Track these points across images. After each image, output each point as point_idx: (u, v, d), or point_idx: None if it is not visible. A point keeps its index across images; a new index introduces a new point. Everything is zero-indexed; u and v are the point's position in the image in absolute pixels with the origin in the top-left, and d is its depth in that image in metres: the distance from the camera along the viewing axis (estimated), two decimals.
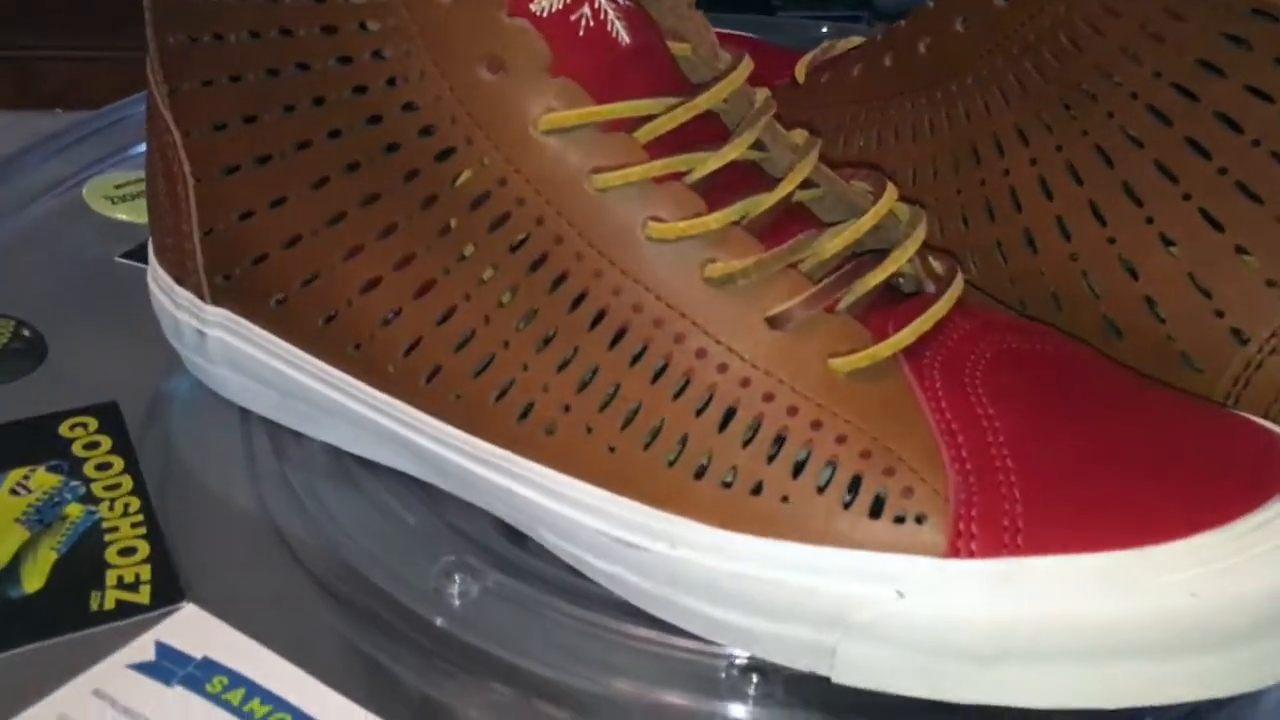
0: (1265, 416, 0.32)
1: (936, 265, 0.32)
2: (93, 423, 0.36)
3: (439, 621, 0.31)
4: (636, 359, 0.29)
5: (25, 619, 0.30)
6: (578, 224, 0.30)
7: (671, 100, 0.30)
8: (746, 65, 0.32)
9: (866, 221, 0.31)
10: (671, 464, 0.29)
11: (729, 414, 0.29)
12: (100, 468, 0.34)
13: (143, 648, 0.29)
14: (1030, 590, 0.27)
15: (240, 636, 0.29)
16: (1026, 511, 0.27)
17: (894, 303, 0.31)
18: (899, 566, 0.27)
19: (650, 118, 0.30)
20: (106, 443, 0.35)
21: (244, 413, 0.36)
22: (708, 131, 0.31)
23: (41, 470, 0.34)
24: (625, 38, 0.30)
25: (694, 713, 0.29)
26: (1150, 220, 0.34)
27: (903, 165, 0.39)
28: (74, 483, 0.34)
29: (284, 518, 0.33)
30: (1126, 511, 0.27)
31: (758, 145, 0.32)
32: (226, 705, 0.28)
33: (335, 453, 0.35)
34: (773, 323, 0.29)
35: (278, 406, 0.35)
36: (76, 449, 0.35)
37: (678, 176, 0.30)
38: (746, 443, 0.29)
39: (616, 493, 0.30)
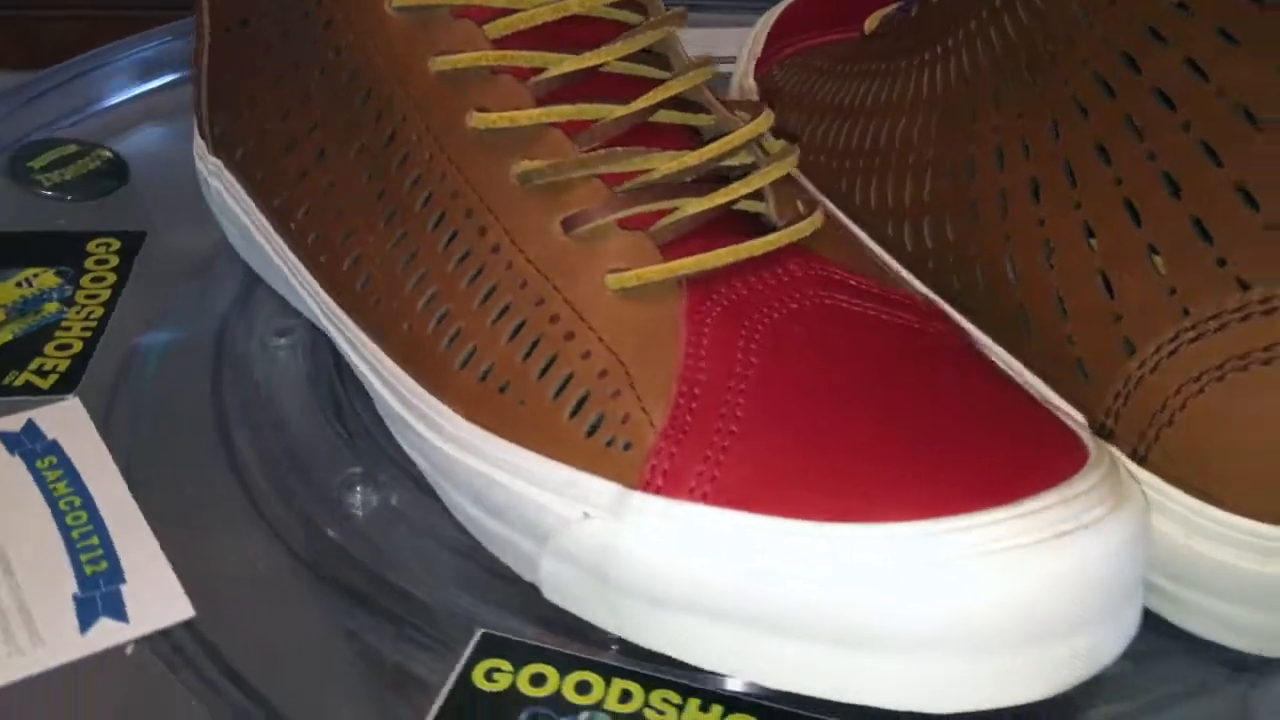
0: (1142, 443, 0.28)
1: (802, 207, 0.30)
2: (115, 243, 0.41)
3: (330, 533, 0.31)
4: (447, 245, 0.30)
5: None
6: (420, 107, 0.30)
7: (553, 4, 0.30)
8: None
9: (713, 149, 0.29)
10: (446, 349, 0.29)
11: (503, 311, 0.29)
12: (95, 280, 0.39)
13: (16, 421, 0.33)
14: (693, 542, 0.25)
15: (98, 443, 0.33)
16: (730, 463, 0.25)
17: (739, 236, 0.29)
18: (592, 488, 0.27)
19: (510, 12, 0.30)
20: (114, 261, 0.40)
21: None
22: (587, 39, 0.31)
23: (50, 273, 0.39)
24: None
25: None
26: (1078, 205, 0.30)
27: (906, 122, 0.36)
28: (67, 287, 0.39)
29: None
30: (845, 487, 0.25)
31: (644, 60, 0.31)
32: (36, 472, 0.31)
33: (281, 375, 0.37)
34: (565, 228, 0.29)
35: (246, 250, 0.39)
36: (88, 262, 0.40)
37: (524, 73, 0.30)
38: (509, 340, 0.28)
39: (404, 369, 0.30)
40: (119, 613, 0.28)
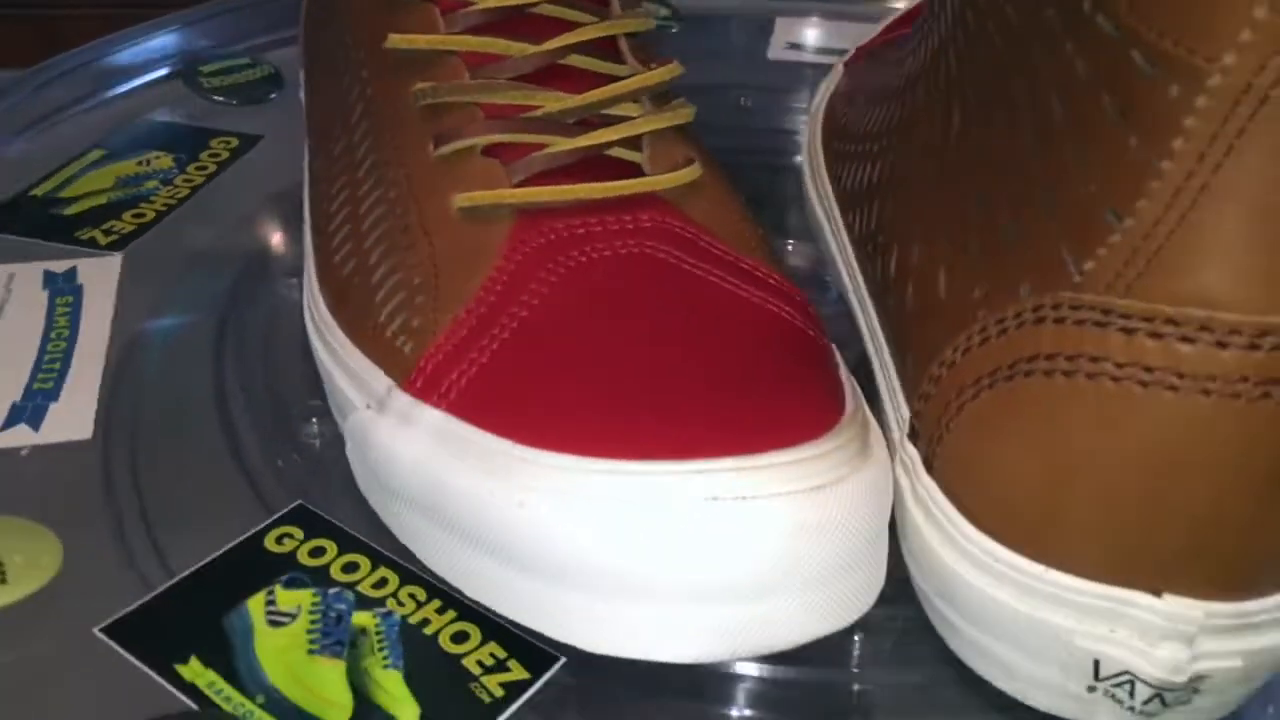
0: (930, 447, 0.26)
1: (680, 162, 0.30)
2: (233, 141, 0.47)
3: (279, 462, 0.33)
4: (361, 155, 0.32)
5: (45, 220, 0.41)
6: (360, 26, 0.33)
7: None
8: None
9: (598, 93, 0.30)
10: (334, 245, 0.32)
11: (379, 218, 0.31)
12: (199, 169, 0.45)
13: (64, 265, 0.39)
14: (424, 445, 0.26)
15: (111, 299, 0.38)
16: (476, 376, 0.26)
17: (601, 180, 0.30)
18: (373, 381, 0.28)
19: None
20: (224, 156, 0.46)
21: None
22: None
23: (169, 157, 0.46)
24: None
25: None
26: (939, 193, 0.28)
27: (886, 108, 0.35)
28: (174, 170, 0.45)
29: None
30: (579, 419, 0.25)
31: (582, 6, 0.32)
32: (52, 306, 0.37)
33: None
34: (435, 145, 0.30)
35: None
36: (203, 154, 0.46)
37: (453, 4, 0.32)
38: (371, 244, 0.31)
39: (312, 259, 0.33)
40: (35, 423, 0.33)
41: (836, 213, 0.37)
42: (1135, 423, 0.22)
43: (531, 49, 0.31)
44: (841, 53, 0.56)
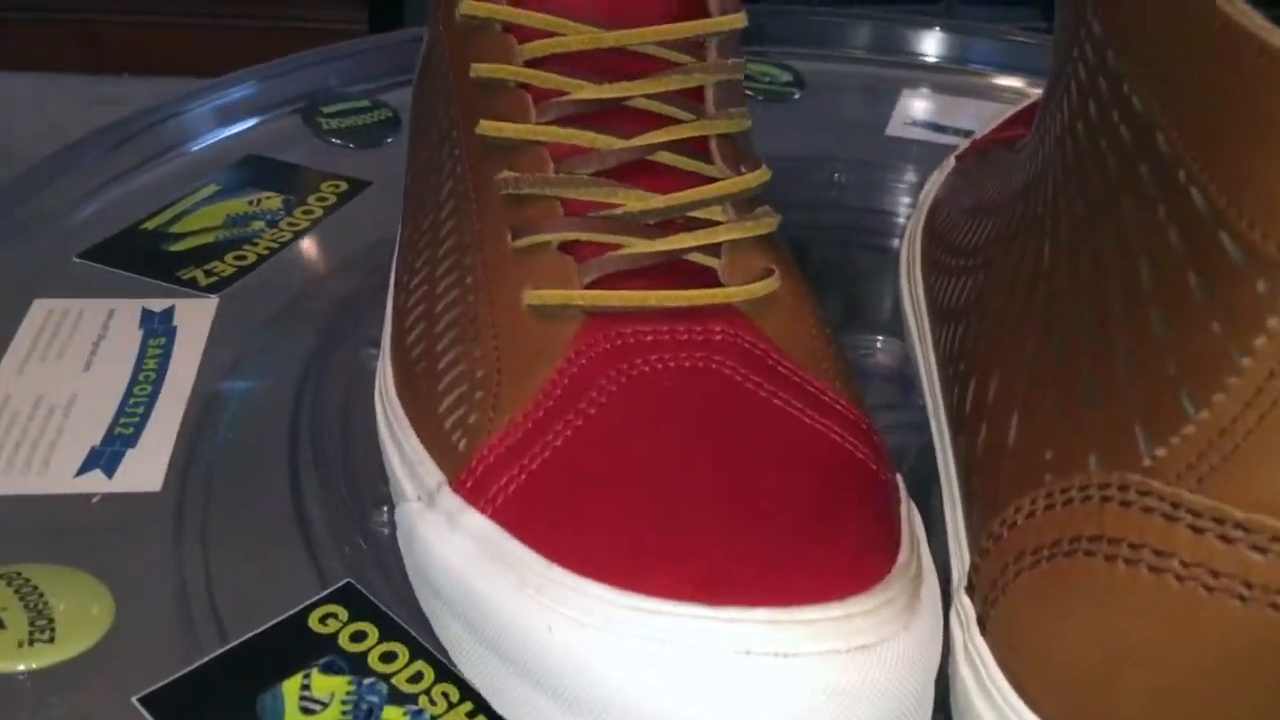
0: (985, 606, 0.25)
1: (759, 273, 0.29)
2: (342, 185, 0.47)
3: (345, 548, 0.32)
4: (445, 234, 0.32)
5: (151, 256, 0.42)
6: (460, 107, 0.33)
7: (589, 26, 0.32)
8: (715, 22, 0.32)
9: (681, 196, 0.30)
10: (408, 323, 0.32)
11: (451, 301, 0.31)
12: (305, 212, 0.46)
13: (162, 304, 0.40)
14: (467, 549, 0.26)
15: (202, 342, 0.39)
16: (525, 486, 0.26)
17: (676, 286, 0.29)
18: (426, 473, 0.28)
19: (550, 35, 0.32)
20: (331, 200, 0.47)
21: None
22: (631, 72, 0.32)
23: (278, 199, 0.47)
24: None
25: None
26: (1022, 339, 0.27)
27: (992, 223, 0.34)
28: (281, 212, 0.46)
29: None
30: (617, 545, 0.25)
31: (680, 101, 0.31)
32: (144, 347, 0.38)
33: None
34: (513, 237, 0.30)
35: None
36: (311, 197, 0.47)
37: (547, 93, 0.31)
38: (441, 326, 0.31)
39: (388, 330, 0.33)
40: (111, 469, 0.34)
41: (927, 324, 0.36)
42: (1198, 627, 0.20)
43: (619, 144, 0.31)
44: (966, 134, 0.55)
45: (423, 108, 0.37)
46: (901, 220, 0.49)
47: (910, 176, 0.52)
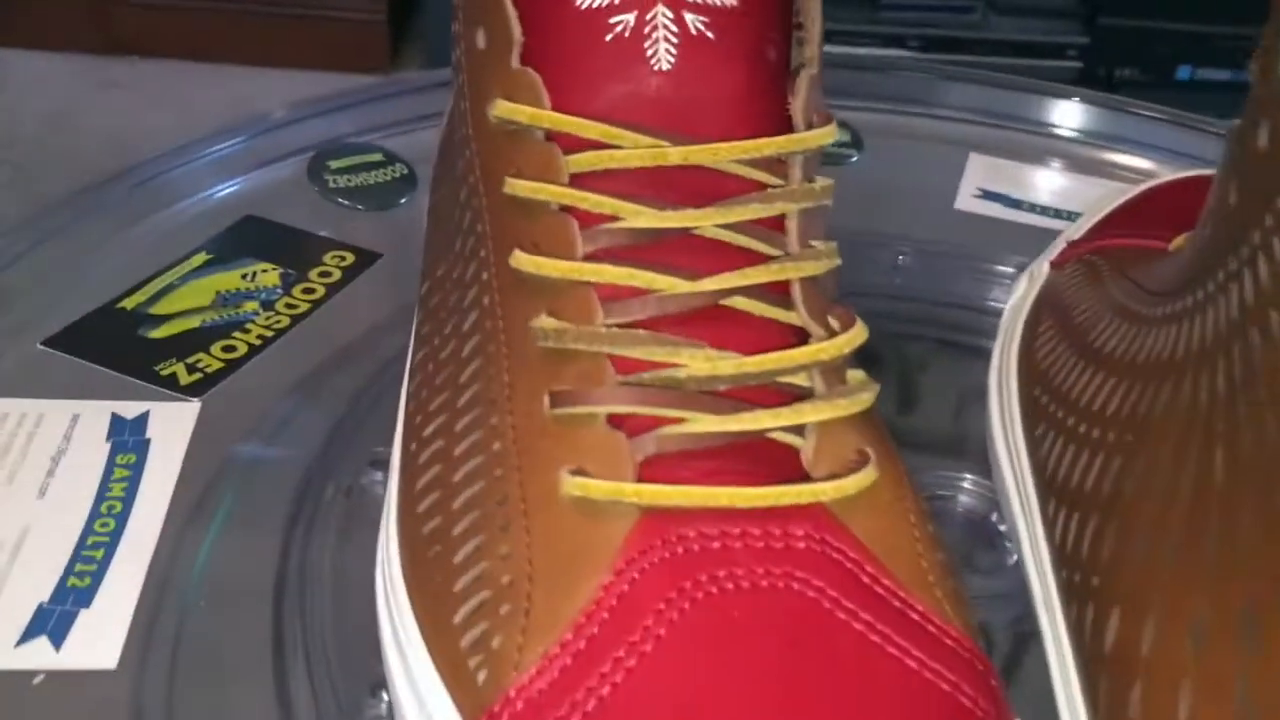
0: None
1: (852, 461, 0.24)
2: (349, 258, 0.42)
3: None
4: (466, 385, 0.27)
5: (127, 344, 0.37)
6: (491, 227, 0.28)
7: (649, 138, 0.26)
8: (803, 139, 0.26)
9: (756, 362, 0.24)
10: (421, 485, 0.27)
11: (473, 470, 0.25)
12: (305, 292, 0.40)
13: (135, 409, 0.35)
14: None
15: (178, 460, 0.34)
16: None
17: (751, 474, 0.24)
18: (439, 711, 0.23)
19: (603, 147, 0.26)
20: (335, 276, 0.41)
21: None
22: (697, 194, 0.26)
23: (275, 272, 0.41)
24: (664, 63, 0.27)
25: None
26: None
27: (1149, 392, 0.28)
28: (278, 290, 0.40)
29: None
30: None
31: (757, 233, 0.26)
32: (110, 467, 0.33)
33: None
34: (552, 403, 0.25)
35: None
36: (313, 272, 0.41)
37: (594, 218, 0.26)
38: (461, 503, 0.25)
39: (397, 483, 0.28)
40: (59, 637, 0.28)
41: (1031, 488, 0.30)
42: None
43: (683, 286, 0.25)
44: (1043, 211, 0.49)
45: (444, 206, 0.31)
46: (979, 319, 0.43)
47: (985, 263, 0.46)
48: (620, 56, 0.27)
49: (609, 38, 0.27)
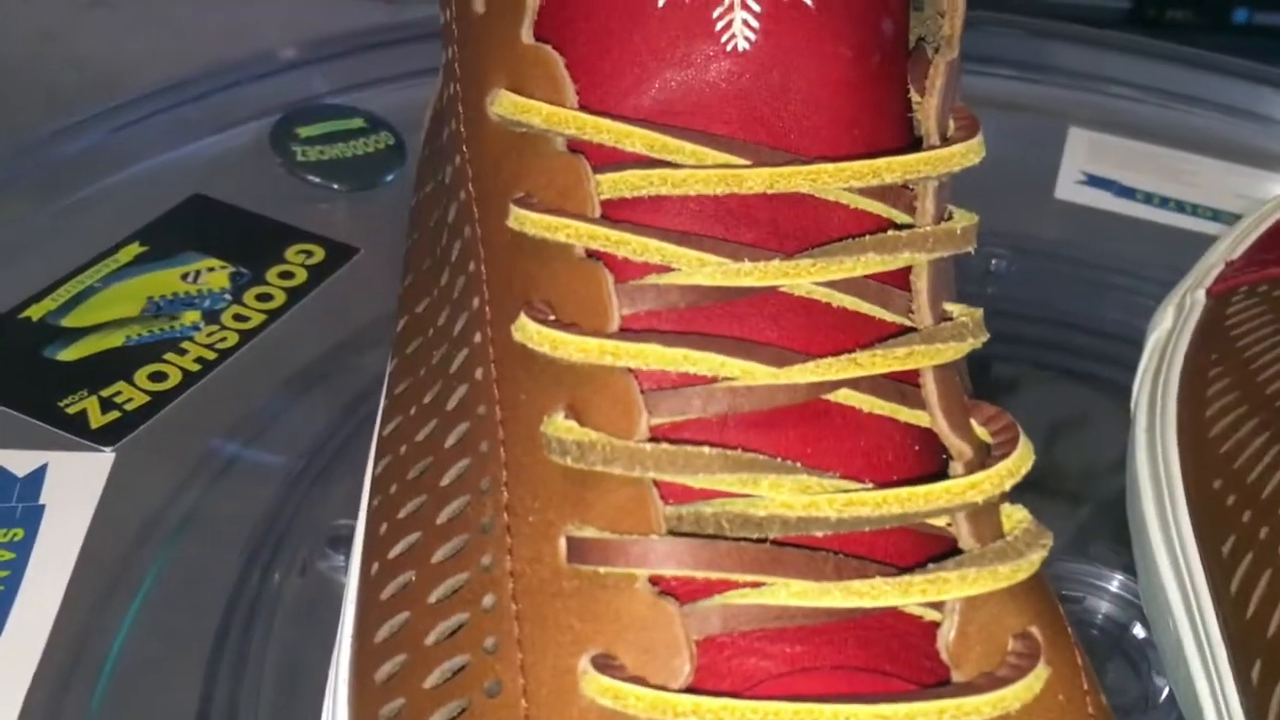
0: None
1: (1012, 655, 0.16)
2: (317, 253, 0.34)
3: None
4: (447, 496, 0.19)
5: (25, 368, 0.29)
6: (488, 266, 0.19)
7: (717, 151, 0.18)
8: (941, 156, 0.18)
9: (892, 500, 0.16)
10: (378, 684, 0.19)
11: (453, 640, 0.18)
12: (260, 299, 0.32)
13: (28, 462, 0.27)
14: None
15: (78, 537, 0.26)
16: None
17: (875, 661, 0.16)
18: None
19: (654, 164, 0.18)
20: (299, 278, 0.33)
21: None
22: (783, 235, 0.18)
23: (225, 273, 0.33)
24: (741, 41, 0.19)
25: None
26: None
27: None
28: (226, 297, 0.32)
29: None
30: None
31: (869, 292, 0.18)
32: None
33: None
34: (570, 552, 0.17)
35: None
36: (270, 272, 0.33)
37: (635, 269, 0.18)
38: (430, 698, 0.17)
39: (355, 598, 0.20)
40: None
41: (1213, 631, 0.22)
42: None
43: (765, 375, 0.17)
44: (1161, 203, 0.41)
45: (428, 216, 0.23)
46: (1099, 345, 0.35)
47: (1098, 270, 0.38)
48: (678, 30, 0.18)
49: (662, 2, 0.18)
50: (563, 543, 0.17)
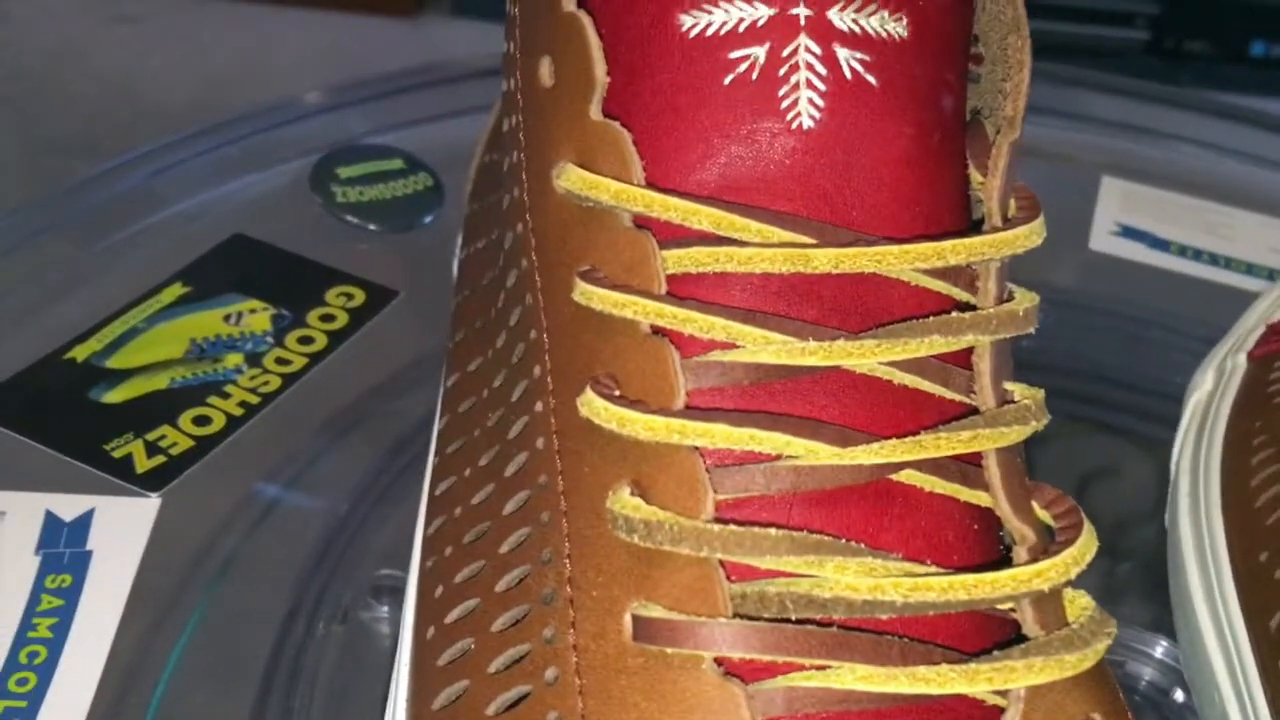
0: None
1: None
2: (358, 296, 0.34)
3: None
4: (507, 560, 0.19)
5: (72, 410, 0.29)
6: (552, 339, 0.20)
7: (783, 230, 0.18)
8: (1005, 239, 0.18)
9: (958, 586, 0.16)
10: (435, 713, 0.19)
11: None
12: (302, 341, 0.32)
13: (74, 507, 0.27)
14: None
15: (126, 585, 0.26)
16: None
17: None
18: None
19: (721, 241, 0.18)
20: (340, 321, 0.33)
21: None
22: (835, 310, 0.18)
23: (267, 314, 0.33)
24: (806, 119, 0.19)
25: None
26: None
27: None
28: (268, 340, 0.32)
29: None
30: None
31: (932, 371, 0.18)
32: (35, 593, 0.25)
33: None
34: (636, 632, 0.17)
35: None
36: (312, 315, 0.33)
37: (699, 346, 0.18)
38: None
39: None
40: None
41: (1254, 681, 0.22)
42: None
43: (829, 455, 0.17)
44: (1195, 256, 0.41)
45: (479, 273, 0.23)
46: (1134, 399, 0.35)
47: (1133, 323, 0.38)
48: (744, 108, 0.18)
49: (729, 80, 0.19)
50: (628, 620, 0.17)
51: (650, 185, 0.19)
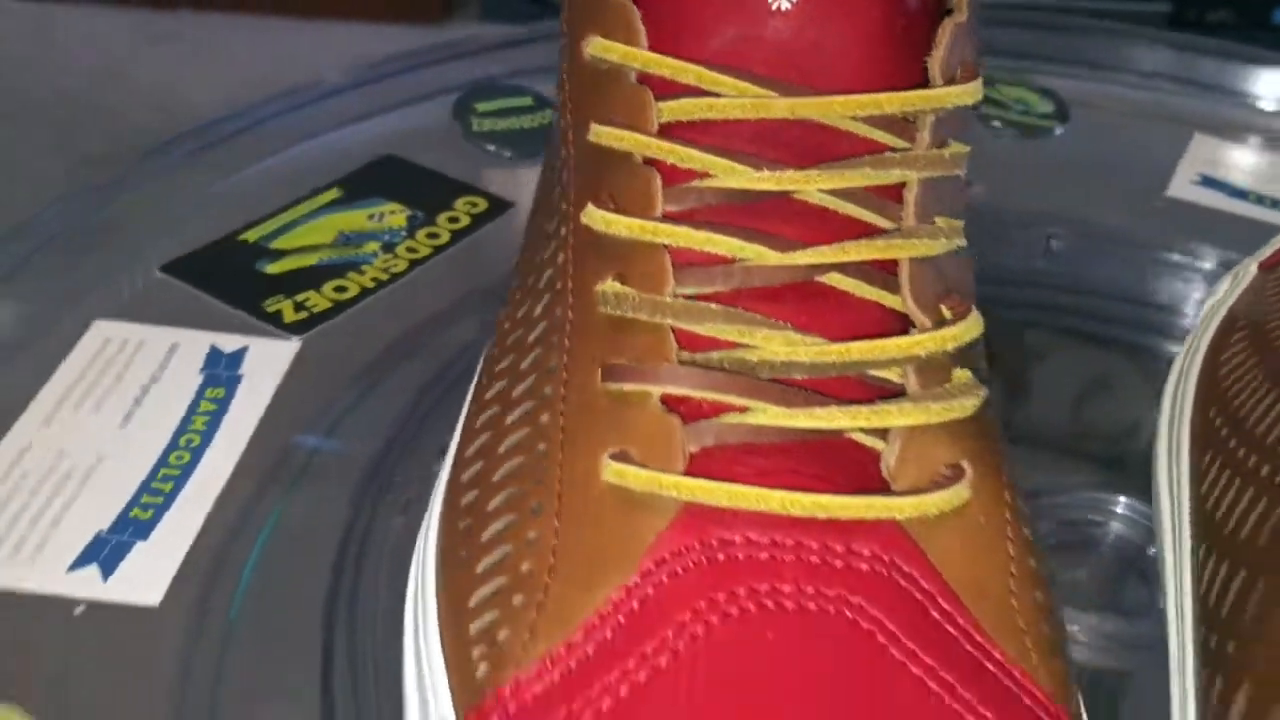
0: None
1: (941, 476, 0.20)
2: (481, 204, 0.40)
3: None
4: (525, 353, 0.24)
5: (241, 277, 0.36)
6: (572, 175, 0.25)
7: (755, 86, 0.23)
8: (937, 95, 0.23)
9: (840, 351, 0.21)
10: (467, 455, 0.24)
11: (516, 442, 0.23)
12: (430, 236, 0.39)
13: (235, 343, 0.34)
14: None
15: (266, 400, 0.32)
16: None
17: (821, 478, 0.20)
18: (438, 702, 0.21)
19: (701, 94, 0.23)
20: (464, 222, 0.39)
21: None
22: (807, 152, 0.23)
23: (403, 214, 0.39)
24: (785, 3, 0.23)
25: None
26: None
27: None
28: (402, 233, 0.39)
29: None
30: None
31: (868, 201, 0.22)
32: (198, 398, 0.32)
33: None
34: (604, 377, 0.22)
35: None
36: (441, 216, 0.39)
37: (681, 174, 0.23)
38: (499, 477, 0.23)
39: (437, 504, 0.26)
40: (110, 567, 0.27)
41: (1186, 524, 0.26)
42: None
43: (772, 258, 0.22)
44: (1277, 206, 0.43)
45: (547, 158, 0.29)
46: (1177, 325, 0.38)
47: (1195, 261, 0.41)
48: None
49: None
50: (600, 371, 0.22)
51: (652, 50, 0.24)
